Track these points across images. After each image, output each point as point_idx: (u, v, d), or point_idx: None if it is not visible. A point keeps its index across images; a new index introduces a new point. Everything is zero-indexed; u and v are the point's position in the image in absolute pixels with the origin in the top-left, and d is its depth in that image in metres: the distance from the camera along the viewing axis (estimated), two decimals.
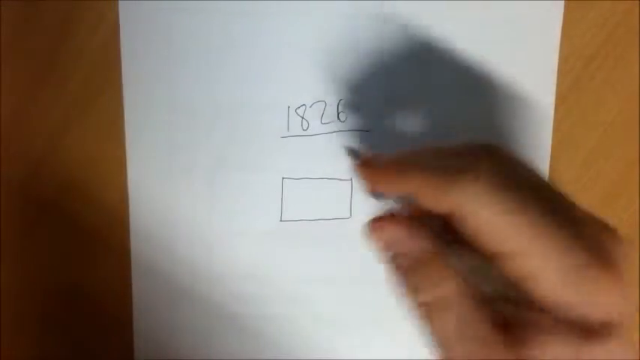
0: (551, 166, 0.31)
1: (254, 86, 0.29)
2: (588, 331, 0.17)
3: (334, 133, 0.30)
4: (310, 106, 0.29)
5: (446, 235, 0.21)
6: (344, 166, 0.30)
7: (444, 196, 0.19)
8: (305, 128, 0.30)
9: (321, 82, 0.29)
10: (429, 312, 0.20)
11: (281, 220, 0.30)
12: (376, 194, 0.26)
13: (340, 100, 0.29)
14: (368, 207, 0.30)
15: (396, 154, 0.22)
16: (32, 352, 0.31)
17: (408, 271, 0.20)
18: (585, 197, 0.32)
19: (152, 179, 0.30)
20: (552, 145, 0.31)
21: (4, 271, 0.30)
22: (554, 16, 0.30)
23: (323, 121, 0.30)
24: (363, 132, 0.30)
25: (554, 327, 0.18)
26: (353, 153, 0.29)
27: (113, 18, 0.28)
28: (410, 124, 0.30)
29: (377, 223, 0.22)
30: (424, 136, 0.30)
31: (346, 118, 0.30)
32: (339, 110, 0.30)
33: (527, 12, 0.29)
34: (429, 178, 0.20)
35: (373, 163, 0.23)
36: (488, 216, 0.18)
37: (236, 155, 0.30)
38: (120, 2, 0.28)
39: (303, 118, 0.29)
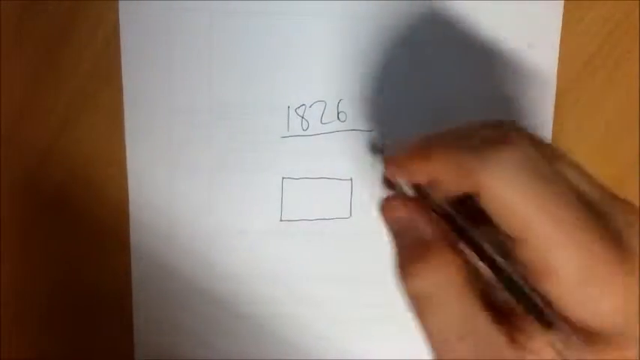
0: None
1: (254, 86, 0.29)
2: (592, 335, 0.17)
3: (334, 133, 0.30)
4: (310, 106, 0.29)
5: (459, 222, 0.20)
6: (344, 165, 0.30)
7: (472, 175, 0.18)
8: (305, 128, 0.29)
9: (321, 82, 0.29)
10: (427, 304, 0.19)
11: (281, 220, 0.30)
12: (390, 184, 0.24)
13: (340, 100, 0.29)
14: (368, 207, 0.30)
15: (417, 137, 0.21)
16: (31, 352, 0.31)
17: (412, 254, 0.20)
18: None
19: (152, 179, 0.30)
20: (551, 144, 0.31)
21: (4, 271, 0.30)
22: (554, 16, 0.30)
23: (323, 121, 0.30)
24: (363, 132, 0.30)
25: (560, 326, 0.17)
26: (376, 148, 0.28)
27: (113, 18, 0.28)
28: (410, 123, 0.30)
29: (390, 202, 0.22)
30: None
31: (346, 118, 0.30)
32: (339, 110, 0.29)
33: (527, 12, 0.29)
34: (455, 157, 0.19)
35: (398, 152, 0.22)
36: (516, 197, 0.17)
37: (236, 155, 0.30)
38: (120, 2, 0.28)
39: (303, 118, 0.29)
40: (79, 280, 0.31)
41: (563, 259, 0.17)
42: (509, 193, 0.17)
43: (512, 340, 0.18)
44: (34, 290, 0.31)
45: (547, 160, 0.18)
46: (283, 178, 0.30)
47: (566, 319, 0.17)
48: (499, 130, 0.19)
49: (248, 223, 0.30)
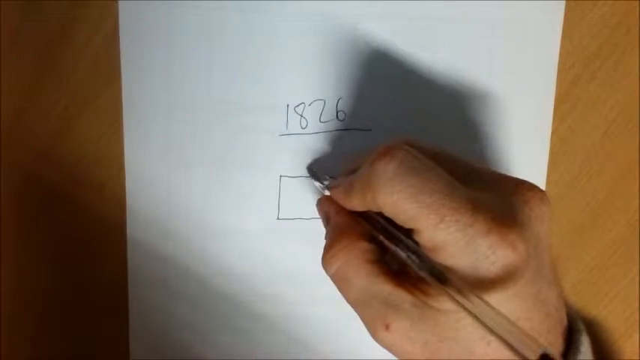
0: (551, 166, 0.31)
1: (253, 84, 0.29)
2: (482, 282, 0.20)
3: (333, 132, 0.30)
4: (309, 105, 0.29)
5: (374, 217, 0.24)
6: (342, 165, 0.30)
7: (363, 200, 0.23)
8: (304, 126, 0.29)
9: (320, 80, 0.29)
10: (341, 280, 0.23)
11: (278, 218, 0.30)
12: (313, 177, 0.29)
13: (339, 98, 0.29)
14: None
15: (334, 183, 0.26)
16: (29, 349, 0.31)
17: (329, 242, 0.24)
18: (585, 197, 0.32)
19: (150, 177, 0.30)
20: (552, 145, 0.31)
21: (3, 269, 0.30)
22: (554, 16, 0.30)
23: (322, 120, 0.30)
24: (362, 131, 0.30)
25: (454, 281, 0.20)
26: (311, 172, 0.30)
27: (113, 18, 0.28)
28: (409, 122, 0.30)
29: (322, 199, 0.28)
30: (423, 135, 0.30)
31: (345, 117, 0.30)
32: (338, 109, 0.29)
33: (528, 12, 0.29)
34: (351, 196, 0.24)
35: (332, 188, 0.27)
36: (398, 199, 0.21)
37: (234, 153, 0.30)
38: (120, 2, 0.28)
39: (301, 116, 0.29)
40: (77, 280, 0.31)
41: (443, 237, 0.20)
42: (392, 198, 0.21)
43: (415, 295, 0.22)
44: (33, 288, 0.31)
45: (422, 159, 0.22)
46: (281, 176, 0.30)
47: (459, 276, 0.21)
48: (379, 148, 0.23)
49: (245, 220, 0.30)
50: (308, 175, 0.30)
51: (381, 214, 0.23)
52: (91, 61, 0.29)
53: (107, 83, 0.29)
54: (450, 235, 0.20)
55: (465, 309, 0.19)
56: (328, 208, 0.26)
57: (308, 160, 0.30)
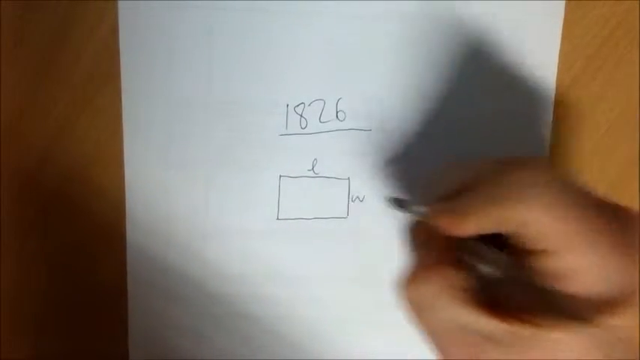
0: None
1: (253, 84, 0.29)
2: (604, 305, 0.20)
3: (333, 132, 0.30)
4: (309, 105, 0.29)
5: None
6: (342, 165, 0.30)
7: (511, 220, 0.21)
8: (303, 127, 0.29)
9: (320, 80, 0.29)
10: (424, 308, 0.22)
11: (278, 219, 0.30)
12: (400, 204, 0.27)
13: (339, 98, 0.29)
14: (365, 207, 0.30)
15: (443, 207, 0.24)
16: (29, 351, 0.31)
17: (418, 269, 0.23)
18: None
19: (149, 177, 0.29)
20: (552, 145, 0.31)
21: (2, 269, 0.30)
22: (554, 15, 0.30)
23: (322, 120, 0.29)
24: (362, 131, 0.30)
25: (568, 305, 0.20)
26: (398, 203, 0.28)
27: (112, 18, 0.28)
28: (409, 123, 0.30)
29: (418, 226, 0.26)
30: (423, 135, 0.30)
31: (345, 117, 0.30)
32: (338, 109, 0.29)
33: (528, 12, 0.29)
34: (493, 212, 0.21)
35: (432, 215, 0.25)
36: (549, 222, 0.20)
37: (234, 153, 0.29)
38: (119, 2, 0.28)
39: (301, 116, 0.29)
40: (77, 279, 0.31)
41: (582, 263, 0.20)
42: (535, 213, 0.20)
43: (513, 324, 0.20)
44: (32, 289, 0.31)
45: (564, 181, 0.21)
46: (281, 176, 0.30)
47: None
48: (513, 158, 0.22)
49: (245, 221, 0.30)
50: (307, 175, 0.30)
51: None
52: (91, 61, 0.29)
53: (107, 83, 0.29)
54: (589, 261, 0.20)
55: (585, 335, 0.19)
56: (421, 235, 0.25)
57: (308, 160, 0.30)
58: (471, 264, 0.22)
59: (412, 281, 0.22)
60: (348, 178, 0.30)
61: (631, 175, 0.31)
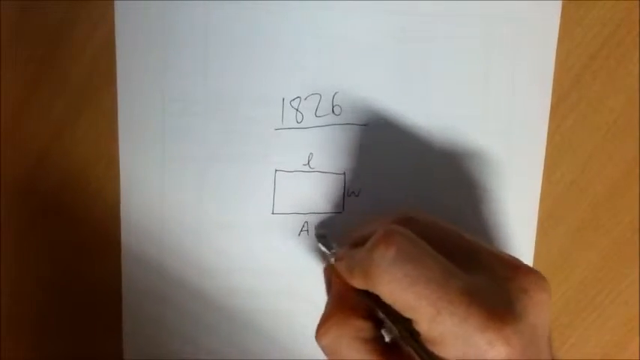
0: (551, 167, 0.31)
1: (249, 78, 0.29)
2: None
3: (329, 127, 0.29)
4: (305, 99, 0.29)
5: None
6: (338, 159, 0.30)
7: (364, 284, 0.23)
8: (299, 121, 0.29)
9: (316, 74, 0.29)
10: (331, 353, 0.24)
11: (273, 213, 0.30)
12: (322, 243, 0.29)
13: (335, 93, 0.29)
14: (361, 202, 0.30)
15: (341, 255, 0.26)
16: (26, 352, 0.31)
17: (325, 316, 0.24)
18: (585, 197, 0.31)
19: (144, 171, 0.29)
20: (552, 145, 0.31)
21: (3, 270, 0.30)
22: (551, 16, 0.30)
23: (318, 114, 0.29)
24: (358, 126, 0.30)
25: None
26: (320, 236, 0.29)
27: (111, 18, 0.28)
28: (405, 118, 0.30)
29: (328, 268, 0.28)
30: (420, 130, 0.30)
31: (341, 112, 0.29)
32: (334, 103, 0.29)
33: (525, 12, 0.29)
34: (353, 276, 0.24)
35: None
36: (394, 289, 0.21)
37: (229, 147, 0.29)
38: (116, 2, 0.28)
39: (297, 110, 0.29)
40: (74, 280, 0.30)
41: (440, 331, 0.20)
42: (389, 287, 0.21)
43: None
44: (30, 290, 0.30)
45: (419, 244, 0.22)
46: (276, 170, 0.30)
47: None
48: (378, 233, 0.23)
49: (240, 215, 0.30)
50: (303, 169, 0.30)
51: None
52: (90, 62, 0.29)
53: (105, 83, 0.29)
54: (446, 329, 0.20)
55: None
56: (331, 276, 0.26)
57: (303, 154, 0.30)
58: (378, 315, 0.23)
59: (322, 325, 0.24)
60: (344, 173, 0.30)
61: (632, 175, 0.31)
